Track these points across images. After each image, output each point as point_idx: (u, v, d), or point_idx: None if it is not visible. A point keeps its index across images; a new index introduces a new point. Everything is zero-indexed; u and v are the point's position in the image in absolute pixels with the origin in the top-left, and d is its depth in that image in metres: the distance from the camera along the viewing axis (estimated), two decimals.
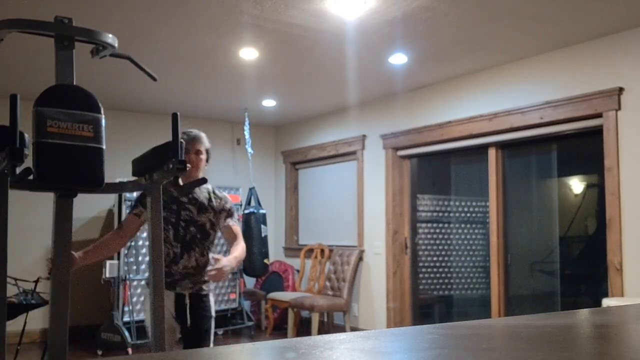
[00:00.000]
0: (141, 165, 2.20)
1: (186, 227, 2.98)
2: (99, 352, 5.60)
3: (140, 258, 5.87)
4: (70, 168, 2.02)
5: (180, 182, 2.04)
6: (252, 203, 6.62)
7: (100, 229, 6.61)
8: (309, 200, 7.41)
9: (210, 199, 3.06)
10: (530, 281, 5.07)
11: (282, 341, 1.00)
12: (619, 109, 4.15)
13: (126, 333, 5.52)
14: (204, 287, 3.04)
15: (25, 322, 4.73)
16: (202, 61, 4.87)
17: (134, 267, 5.81)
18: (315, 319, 5.86)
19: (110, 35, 2.33)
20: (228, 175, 7.46)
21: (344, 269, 6.28)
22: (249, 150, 6.89)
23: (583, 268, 4.79)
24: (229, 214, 3.08)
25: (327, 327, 6.41)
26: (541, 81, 4.66)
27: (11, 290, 4.47)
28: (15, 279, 4.37)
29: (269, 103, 6.51)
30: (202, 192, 3.07)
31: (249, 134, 6.87)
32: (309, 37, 4.28)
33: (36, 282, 4.50)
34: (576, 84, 4.41)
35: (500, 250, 4.99)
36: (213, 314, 3.06)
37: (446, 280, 5.94)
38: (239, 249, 2.97)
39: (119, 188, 2.46)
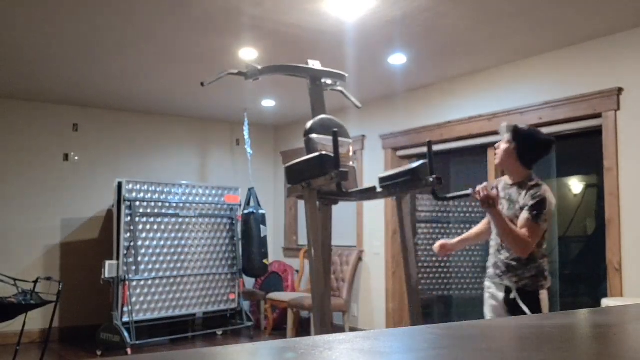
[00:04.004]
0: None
1: None
2: (98, 353, 5.60)
3: (139, 258, 5.87)
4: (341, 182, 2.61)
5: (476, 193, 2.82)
6: (252, 203, 6.62)
7: (100, 228, 6.61)
8: None
9: (522, 196, 2.94)
10: None
11: (282, 341, 1.00)
12: (618, 109, 4.15)
13: (125, 333, 5.51)
14: (529, 282, 2.91)
15: (24, 323, 4.73)
16: (201, 61, 4.87)
17: (133, 268, 5.80)
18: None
19: (345, 75, 3.19)
20: (227, 176, 7.46)
21: (343, 269, 6.29)
22: (248, 150, 6.89)
23: (582, 268, 4.79)
24: (527, 208, 2.90)
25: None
26: (540, 81, 4.66)
27: (10, 291, 4.47)
28: (15, 280, 4.36)
29: (268, 103, 6.51)
30: (520, 189, 2.97)
31: (248, 134, 6.87)
32: (309, 37, 4.28)
33: (35, 282, 4.49)
34: (575, 84, 4.41)
35: None
36: (545, 310, 2.94)
37: (446, 281, 5.94)
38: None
39: (365, 197, 3.07)
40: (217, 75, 3.09)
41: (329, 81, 3.21)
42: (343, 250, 6.41)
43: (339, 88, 3.32)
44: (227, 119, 7.30)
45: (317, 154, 2.61)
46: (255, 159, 7.39)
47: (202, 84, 3.16)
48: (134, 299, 5.76)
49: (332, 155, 2.51)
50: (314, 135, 2.76)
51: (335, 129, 2.54)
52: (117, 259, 5.74)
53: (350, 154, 2.91)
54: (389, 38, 4.31)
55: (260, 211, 6.57)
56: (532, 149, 2.99)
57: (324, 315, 2.60)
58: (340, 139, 2.66)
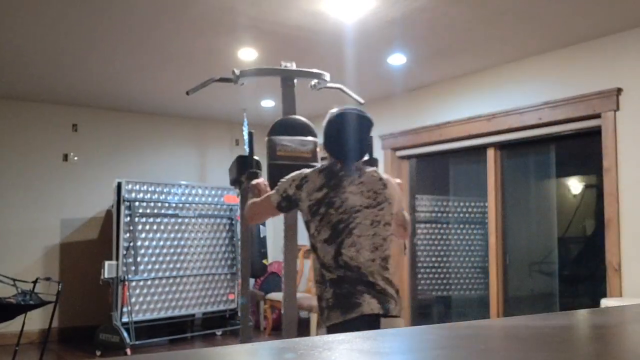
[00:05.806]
0: None
1: None
2: (98, 353, 5.60)
3: (139, 259, 5.87)
4: None
5: None
6: None
7: (99, 228, 6.61)
8: None
9: None
10: (529, 282, 5.07)
11: (281, 342, 1.00)
12: (618, 109, 4.15)
13: (125, 334, 5.51)
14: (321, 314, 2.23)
15: (23, 323, 4.73)
16: (200, 62, 4.87)
17: (133, 268, 5.80)
18: (314, 319, 5.85)
19: (324, 73, 3.17)
20: (227, 176, 7.45)
21: None
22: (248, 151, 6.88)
23: (581, 269, 4.79)
24: None
25: None
26: (539, 82, 4.66)
27: (10, 291, 4.47)
28: (14, 280, 4.36)
29: (267, 104, 6.51)
30: None
31: (248, 134, 6.86)
32: (308, 37, 4.28)
33: (35, 282, 4.49)
34: (574, 84, 4.42)
35: (498, 250, 5.00)
36: None
37: (445, 281, 5.94)
38: None
39: None
40: (202, 84, 3.11)
41: (315, 81, 3.24)
42: None
43: (338, 85, 3.32)
44: (226, 119, 7.30)
45: (238, 155, 2.88)
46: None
47: (187, 93, 3.20)
48: (133, 299, 5.76)
49: (247, 155, 2.65)
50: (273, 136, 2.75)
51: (285, 130, 2.68)
52: (117, 259, 5.74)
53: (319, 152, 2.73)
54: (389, 38, 4.31)
55: None
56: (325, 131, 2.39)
57: (292, 317, 2.64)
58: (301, 138, 2.73)
